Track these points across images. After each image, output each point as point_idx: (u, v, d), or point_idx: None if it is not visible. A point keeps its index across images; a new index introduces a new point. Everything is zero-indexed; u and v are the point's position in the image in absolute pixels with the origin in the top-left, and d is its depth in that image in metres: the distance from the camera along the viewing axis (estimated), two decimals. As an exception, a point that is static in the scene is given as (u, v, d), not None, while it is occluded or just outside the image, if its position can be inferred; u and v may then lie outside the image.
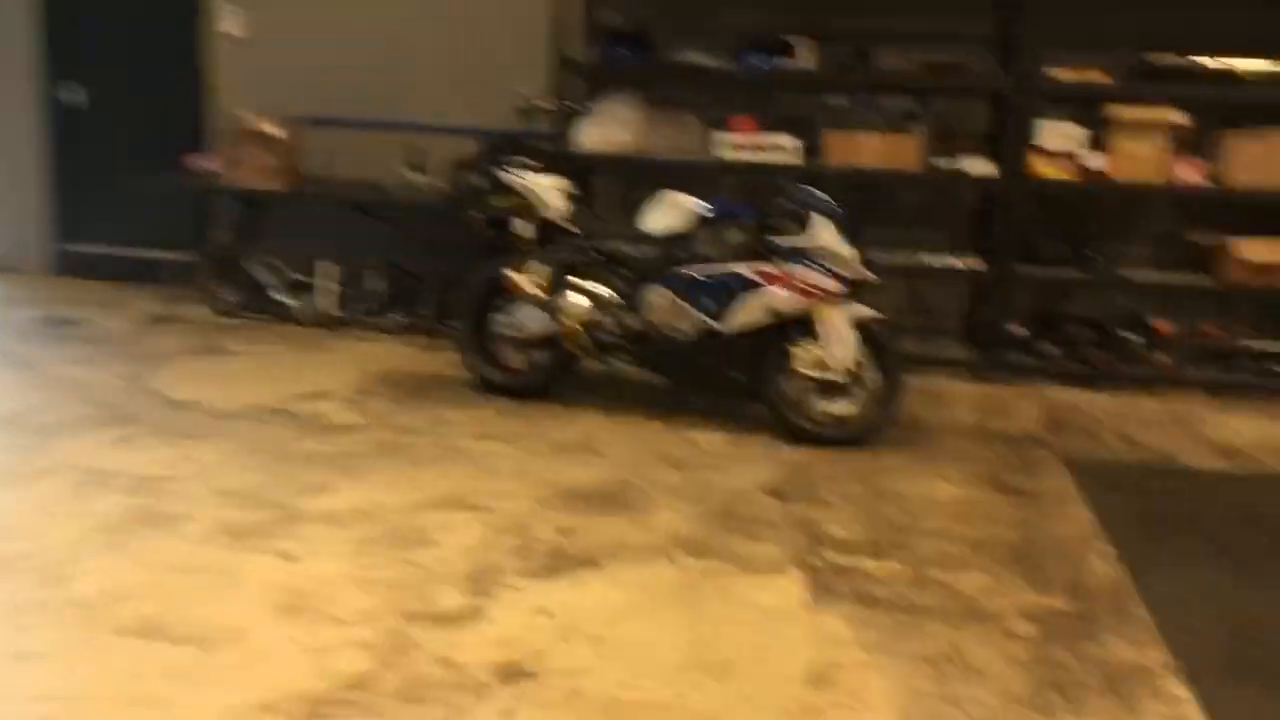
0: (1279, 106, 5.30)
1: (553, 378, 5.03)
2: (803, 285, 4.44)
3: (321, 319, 6.14)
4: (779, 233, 4.55)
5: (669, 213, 4.75)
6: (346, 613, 3.10)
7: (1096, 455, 4.62)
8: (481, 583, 3.29)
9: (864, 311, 4.56)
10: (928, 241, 5.95)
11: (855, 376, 4.52)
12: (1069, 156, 5.34)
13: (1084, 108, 5.56)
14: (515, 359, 5.10)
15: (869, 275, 4.51)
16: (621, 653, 2.94)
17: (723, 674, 2.85)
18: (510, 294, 4.91)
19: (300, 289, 6.30)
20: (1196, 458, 4.62)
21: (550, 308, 4.79)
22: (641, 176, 6.26)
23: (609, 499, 3.93)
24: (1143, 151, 5.27)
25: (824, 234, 4.43)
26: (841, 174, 5.45)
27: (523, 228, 5.68)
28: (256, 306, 6.29)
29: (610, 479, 4.12)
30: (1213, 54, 5.26)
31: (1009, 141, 5.36)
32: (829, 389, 4.55)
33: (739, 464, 4.34)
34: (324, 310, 6.16)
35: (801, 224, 4.50)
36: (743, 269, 4.52)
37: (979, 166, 5.47)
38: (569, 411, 4.88)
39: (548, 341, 4.97)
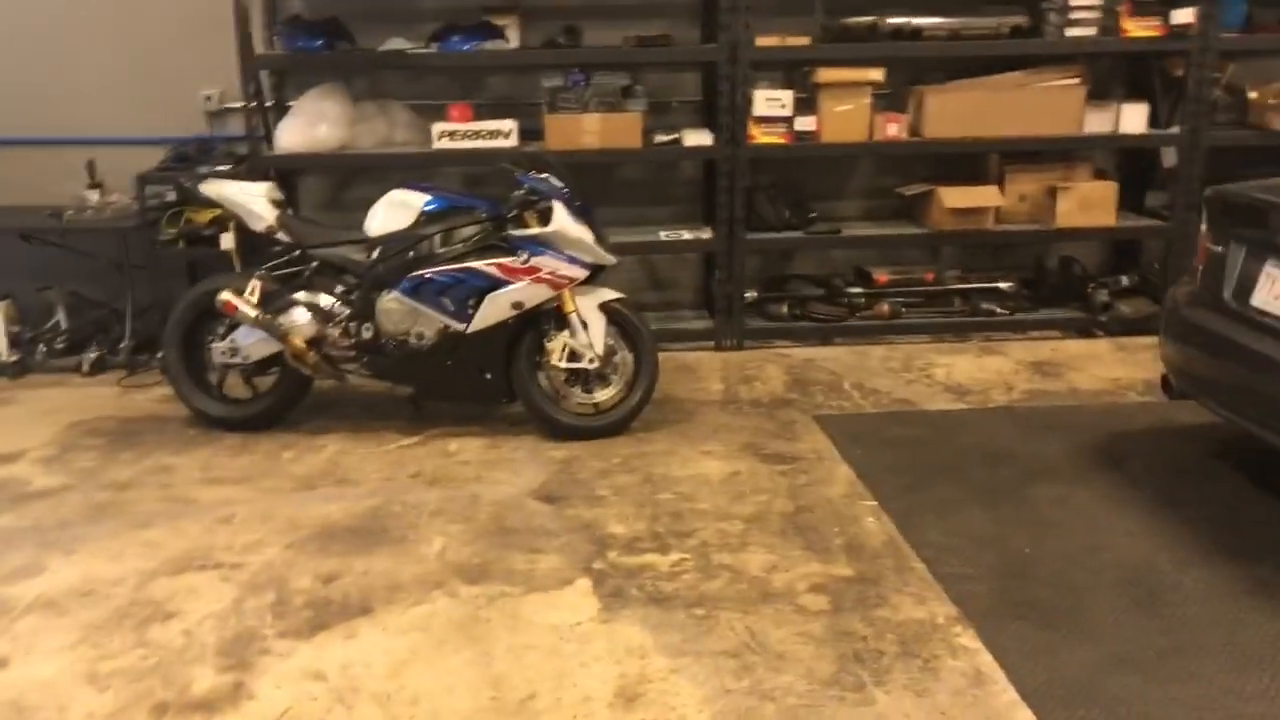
0: (962, 60, 5.61)
1: (284, 403, 4.61)
2: (544, 275, 4.27)
3: (-1, 367, 5.37)
4: (515, 223, 4.36)
5: (393, 212, 4.43)
6: (81, 719, 2.66)
7: (843, 409, 4.74)
8: (239, 654, 2.92)
9: (607, 294, 4.44)
10: (656, 217, 5.94)
11: (608, 362, 4.41)
12: (781, 121, 5.43)
13: (790, 72, 5.70)
14: (238, 387, 4.65)
15: (609, 257, 4.39)
16: (413, 708, 2.68)
17: (527, 710, 2.66)
18: (224, 316, 4.44)
19: (-33, 336, 5.48)
20: (932, 400, 4.83)
21: (270, 327, 4.37)
22: (351, 175, 5.89)
23: (369, 533, 3.62)
24: (848, 111, 5.44)
25: (561, 220, 4.26)
26: (564, 156, 5.31)
27: (227, 241, 5.22)
28: (-86, 362, 5.43)
29: (366, 509, 3.80)
30: (901, 14, 5.48)
31: (723, 111, 5.38)
32: (584, 378, 4.41)
33: (502, 471, 4.13)
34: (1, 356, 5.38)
35: (538, 212, 4.33)
36: (480, 264, 4.28)
37: (697, 138, 5.48)
38: (308, 439, 4.49)
39: (273, 364, 4.55)
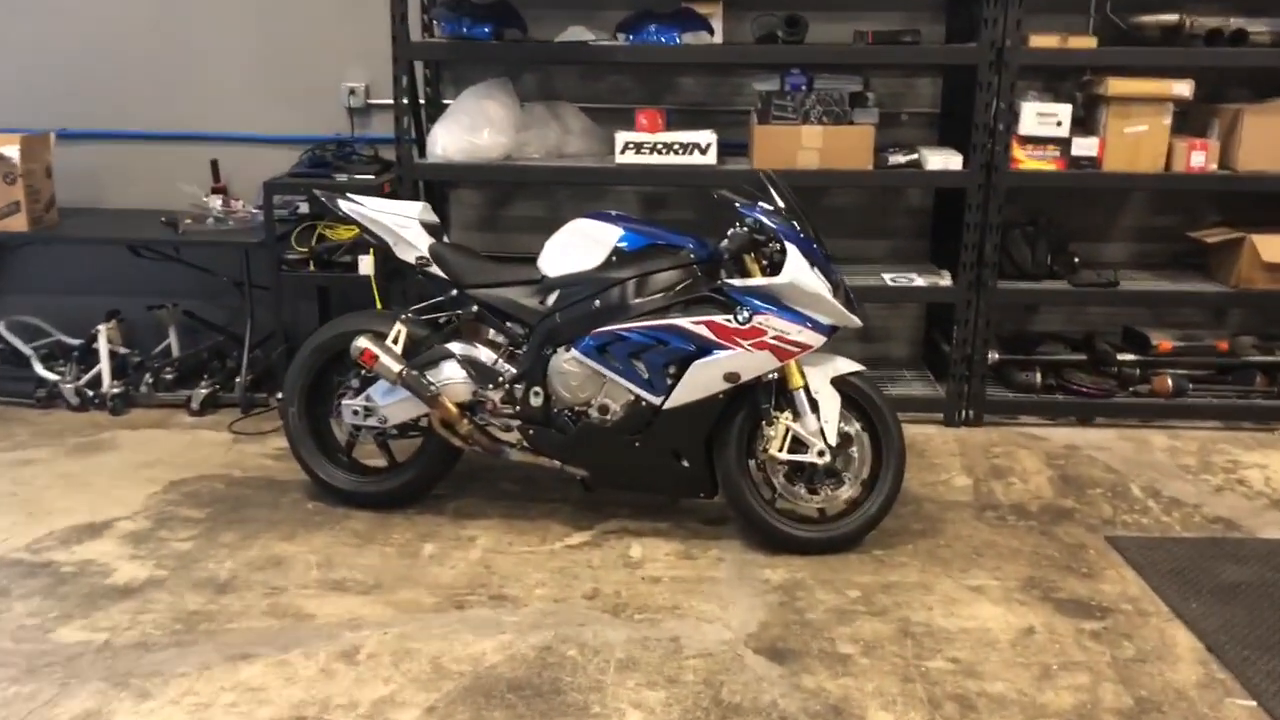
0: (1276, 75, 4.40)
1: (427, 478, 3.68)
2: (769, 340, 3.24)
3: (98, 398, 4.59)
4: (732, 268, 3.35)
5: (576, 247, 3.46)
6: None
7: (1143, 528, 3.59)
8: None
9: (844, 365, 3.40)
10: (870, 253, 4.89)
11: (842, 454, 3.36)
12: (1053, 143, 4.30)
13: (1055, 82, 4.58)
14: (371, 452, 3.75)
15: (854, 318, 3.35)
16: None
17: None
18: (360, 366, 3.54)
19: (67, 359, 4.73)
20: (1261, 521, 3.65)
21: (417, 386, 3.45)
22: (513, 190, 4.97)
23: (537, 694, 2.65)
24: (1140, 134, 4.28)
25: (796, 269, 3.23)
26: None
27: (366, 267, 4.37)
28: (5, 386, 4.70)
29: (532, 650, 2.83)
30: (1214, 12, 4.30)
31: (977, 128, 4.28)
32: (809, 474, 3.37)
33: (705, 598, 3.11)
34: (101, 386, 4.61)
35: (764, 257, 3.32)
36: (687, 322, 3.28)
37: (942, 159, 4.38)
38: (453, 525, 3.56)
39: (415, 428, 3.64)
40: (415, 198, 4.43)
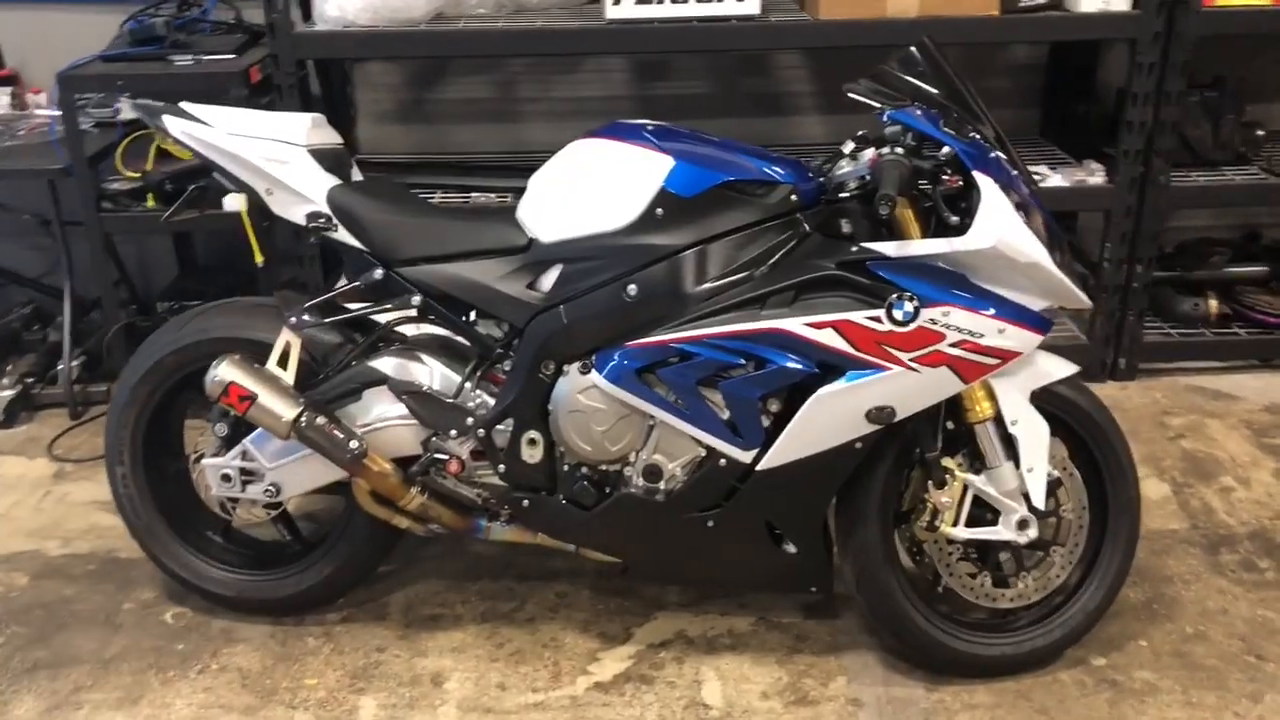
0: None
1: (354, 568, 2.27)
2: (948, 350, 1.85)
3: None
4: (865, 221, 1.92)
5: (594, 189, 1.98)
6: None
7: None
8: None
9: (1053, 367, 2.02)
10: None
11: (1052, 515, 2.03)
12: (1265, -35, 2.88)
13: None
14: (257, 529, 2.33)
15: (1082, 296, 1.95)
16: None
17: None
18: (226, 410, 2.06)
19: None
20: None
21: (326, 441, 2.00)
22: (447, 65, 3.42)
23: None
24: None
25: (999, 222, 1.81)
26: (844, 30, 2.85)
27: (236, 203, 2.85)
28: None
29: None
30: None
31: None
32: (995, 554, 2.04)
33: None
34: None
35: (926, 196, 1.88)
36: (802, 324, 1.85)
37: (1098, -2, 2.92)
38: (405, 647, 2.19)
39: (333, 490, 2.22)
40: (300, 86, 2.89)
